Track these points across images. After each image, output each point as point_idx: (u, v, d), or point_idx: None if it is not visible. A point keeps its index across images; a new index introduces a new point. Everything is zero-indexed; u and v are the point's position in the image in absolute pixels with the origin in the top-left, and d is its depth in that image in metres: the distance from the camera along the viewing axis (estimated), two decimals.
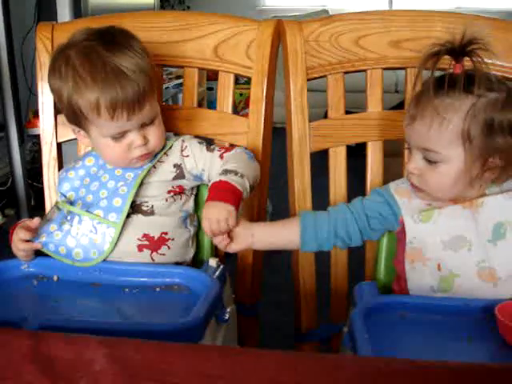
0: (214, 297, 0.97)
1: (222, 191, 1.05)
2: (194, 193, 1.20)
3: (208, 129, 1.26)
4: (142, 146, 1.09)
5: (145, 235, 1.10)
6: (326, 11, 5.41)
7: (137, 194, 1.11)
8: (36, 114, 3.07)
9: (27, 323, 0.85)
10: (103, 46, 1.05)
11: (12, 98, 2.80)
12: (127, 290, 1.04)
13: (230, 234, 1.06)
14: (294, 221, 1.10)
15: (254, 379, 0.59)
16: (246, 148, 1.19)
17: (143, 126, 1.09)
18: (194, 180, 1.17)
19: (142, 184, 1.11)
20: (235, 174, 1.08)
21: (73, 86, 1.04)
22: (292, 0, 5.96)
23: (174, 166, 1.15)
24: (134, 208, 1.11)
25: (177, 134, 1.23)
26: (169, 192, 1.13)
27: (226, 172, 1.09)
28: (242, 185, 1.07)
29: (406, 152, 1.08)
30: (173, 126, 1.27)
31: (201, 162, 1.15)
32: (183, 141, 1.18)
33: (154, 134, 1.11)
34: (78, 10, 2.78)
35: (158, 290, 1.04)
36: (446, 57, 1.00)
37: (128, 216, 1.09)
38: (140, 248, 1.10)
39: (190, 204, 1.18)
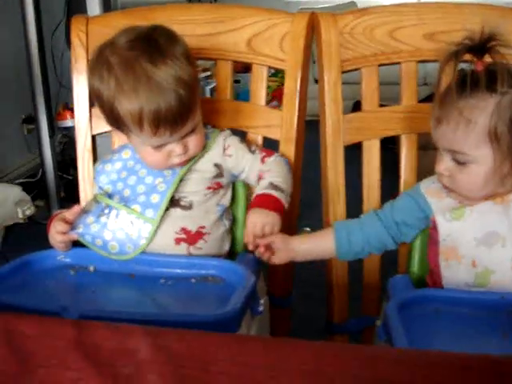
0: (249, 289, 0.97)
1: (268, 202, 1.10)
2: (230, 187, 1.20)
3: (241, 121, 1.26)
4: (181, 155, 1.09)
5: (182, 229, 1.11)
6: (354, 3, 5.37)
7: (175, 190, 1.11)
8: (66, 107, 3.11)
9: (67, 313, 0.86)
10: (146, 57, 1.02)
11: (42, 91, 2.84)
12: (163, 281, 1.05)
13: (270, 246, 1.08)
14: (330, 233, 1.12)
15: (296, 368, 0.60)
16: (282, 156, 1.21)
17: (184, 136, 1.08)
18: (231, 178, 1.18)
19: (181, 180, 1.12)
20: (281, 191, 1.13)
21: (115, 95, 1.02)
22: None
23: (215, 165, 1.15)
24: (173, 202, 1.11)
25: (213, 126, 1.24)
26: (208, 188, 1.14)
27: (271, 186, 1.12)
28: (285, 201, 1.12)
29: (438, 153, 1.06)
30: (206, 119, 1.27)
31: (242, 163, 1.17)
32: (225, 139, 1.17)
33: (194, 142, 1.10)
34: (107, 4, 2.79)
35: (193, 281, 1.05)
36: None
37: (166, 209, 1.10)
38: (177, 241, 1.11)
39: (227, 198, 1.18)
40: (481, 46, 0.97)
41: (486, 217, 1.00)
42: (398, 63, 1.22)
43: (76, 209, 1.11)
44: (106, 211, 1.12)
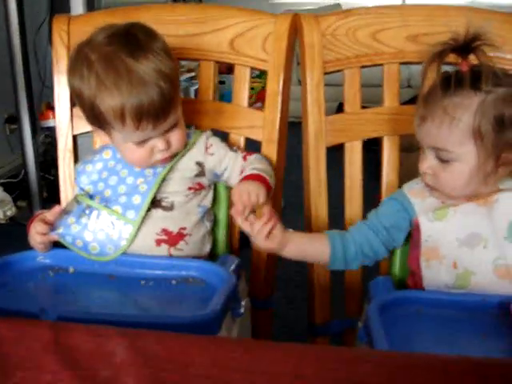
0: (230, 290, 0.97)
1: (254, 177, 1.10)
2: (212, 188, 1.19)
3: (224, 122, 1.26)
4: (164, 150, 1.09)
5: (163, 230, 1.11)
6: (338, 5, 5.39)
7: (157, 190, 1.11)
8: (49, 107, 3.09)
9: (45, 315, 0.85)
10: (126, 51, 1.02)
11: (25, 91, 2.81)
12: (143, 282, 1.04)
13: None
14: (324, 238, 1.10)
15: (275, 371, 0.59)
16: (263, 155, 1.21)
17: (166, 131, 1.08)
18: (213, 178, 1.18)
19: (162, 180, 1.11)
20: (266, 174, 1.12)
21: (96, 93, 1.02)
22: None
23: (197, 163, 1.15)
24: (154, 203, 1.11)
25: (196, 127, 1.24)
26: (189, 189, 1.13)
27: (256, 170, 1.12)
28: (271, 182, 1.11)
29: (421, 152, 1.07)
30: (188, 120, 1.26)
31: (225, 161, 1.16)
32: (207, 138, 1.17)
33: (176, 137, 1.10)
34: (91, 3, 2.78)
35: (173, 282, 1.04)
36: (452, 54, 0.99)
37: (147, 210, 1.09)
38: (158, 242, 1.10)
39: (209, 199, 1.18)
40: (465, 45, 0.98)
41: (469, 218, 1.01)
42: (381, 65, 1.22)
43: (56, 209, 1.10)
44: (87, 212, 1.11)
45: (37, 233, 1.09)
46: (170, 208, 1.12)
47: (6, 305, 0.90)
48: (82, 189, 1.16)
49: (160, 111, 1.03)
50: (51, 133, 3.28)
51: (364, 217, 1.20)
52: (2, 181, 3.17)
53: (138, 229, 1.09)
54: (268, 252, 1.17)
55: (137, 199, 1.10)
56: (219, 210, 1.22)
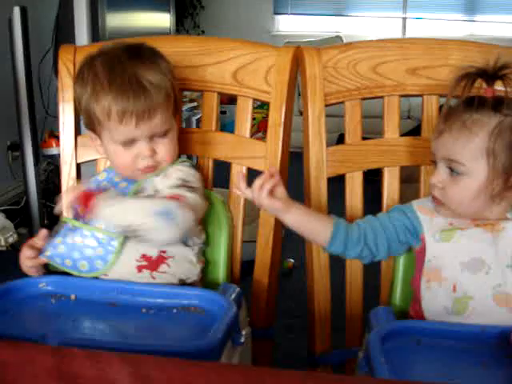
0: (231, 319, 0.97)
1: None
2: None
3: (226, 152, 1.27)
4: (148, 158, 1.12)
5: (143, 255, 1.11)
6: (339, 37, 5.46)
7: None
8: (51, 135, 3.11)
9: (46, 341, 0.85)
10: (128, 56, 1.11)
11: (28, 118, 2.84)
12: (144, 310, 1.05)
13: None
14: (328, 218, 1.11)
15: None
16: (178, 210, 1.07)
17: (153, 137, 1.12)
18: None
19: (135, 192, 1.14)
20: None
21: (91, 90, 1.09)
22: (305, 26, 6.01)
23: (155, 190, 1.15)
24: None
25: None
26: None
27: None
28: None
29: (432, 167, 1.10)
30: (191, 149, 1.29)
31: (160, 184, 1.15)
32: (178, 169, 1.17)
33: (164, 147, 1.13)
34: (95, 33, 2.82)
35: (174, 311, 1.04)
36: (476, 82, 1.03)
37: (125, 237, 1.10)
38: (139, 269, 1.11)
39: None
40: (494, 72, 1.02)
41: (475, 243, 1.02)
42: (381, 97, 1.24)
43: (43, 233, 1.13)
44: (73, 231, 1.13)
45: (25, 257, 1.11)
46: None
47: (8, 331, 0.91)
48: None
49: (145, 110, 1.08)
50: (53, 160, 3.30)
51: None
52: (3, 208, 3.18)
53: (119, 255, 1.10)
54: (272, 213, 1.15)
55: None
56: (220, 234, 1.22)
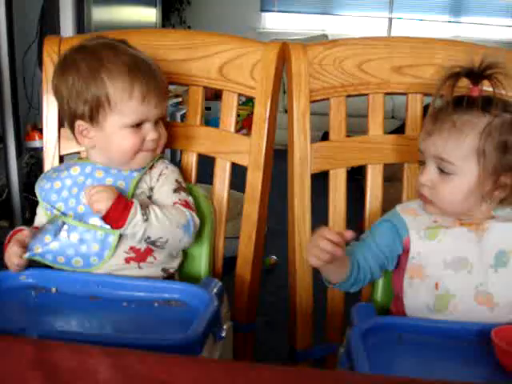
0: (212, 313, 0.97)
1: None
2: None
3: (210, 147, 1.27)
4: (154, 140, 1.14)
5: (131, 248, 1.12)
6: (325, 36, 5.48)
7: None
8: (34, 128, 3.08)
9: (26, 333, 0.85)
10: (124, 45, 1.14)
11: (12, 111, 2.81)
12: (126, 304, 1.05)
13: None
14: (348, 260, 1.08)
15: None
16: (193, 218, 1.15)
17: (157, 122, 1.15)
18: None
19: (136, 184, 1.14)
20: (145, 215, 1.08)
21: (108, 77, 1.09)
22: (291, 23, 6.02)
23: (150, 188, 1.16)
24: None
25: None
26: None
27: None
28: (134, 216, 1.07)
29: (416, 166, 1.12)
30: (176, 143, 1.28)
31: (158, 193, 1.16)
32: (166, 168, 1.19)
33: (162, 130, 1.17)
34: (81, 25, 2.80)
35: (156, 304, 1.04)
36: (462, 82, 1.04)
37: None
38: (127, 260, 1.12)
39: None
40: (480, 71, 1.03)
41: (459, 242, 1.03)
42: (366, 95, 1.24)
43: (31, 231, 1.11)
44: (66, 227, 1.12)
45: (14, 254, 1.09)
46: None
47: None
48: (53, 207, 1.15)
49: (162, 89, 1.14)
50: (36, 153, 3.28)
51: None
52: None
53: (120, 237, 1.10)
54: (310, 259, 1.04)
55: None
56: (203, 229, 1.22)
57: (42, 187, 1.18)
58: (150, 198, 1.15)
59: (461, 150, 1.00)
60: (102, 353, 0.64)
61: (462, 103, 1.01)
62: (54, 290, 1.09)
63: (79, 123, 1.14)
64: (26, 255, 1.09)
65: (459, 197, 1.02)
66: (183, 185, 1.20)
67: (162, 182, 1.17)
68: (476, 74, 1.03)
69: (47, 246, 1.11)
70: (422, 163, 1.06)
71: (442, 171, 1.02)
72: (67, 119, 1.18)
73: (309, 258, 1.00)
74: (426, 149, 1.04)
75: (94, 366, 0.62)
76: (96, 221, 1.10)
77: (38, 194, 1.18)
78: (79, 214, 1.12)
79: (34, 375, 0.60)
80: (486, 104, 1.00)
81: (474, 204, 1.03)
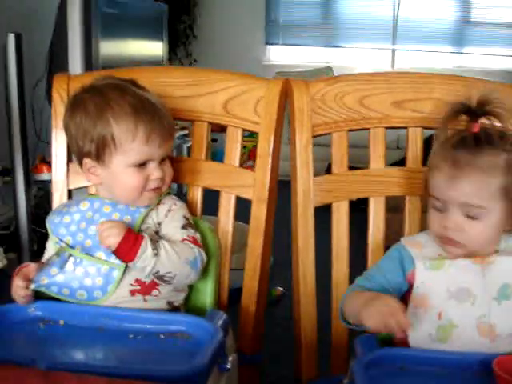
0: (217, 344, 0.99)
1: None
2: None
3: (215, 181, 1.30)
4: (159, 179, 1.16)
5: (137, 280, 1.14)
6: (329, 68, 5.53)
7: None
8: (42, 161, 3.12)
9: (35, 364, 0.86)
10: (131, 85, 1.17)
11: (20, 144, 2.85)
12: (132, 336, 1.06)
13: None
14: None
15: None
16: (200, 255, 1.17)
17: (162, 161, 1.17)
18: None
19: (142, 221, 1.16)
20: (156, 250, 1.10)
21: (113, 117, 1.12)
22: (296, 56, 6.09)
23: (158, 223, 1.18)
24: None
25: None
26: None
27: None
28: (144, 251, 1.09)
29: (433, 210, 1.07)
30: (182, 178, 1.31)
31: (166, 229, 1.18)
32: (175, 204, 1.21)
33: (168, 169, 1.19)
34: (89, 60, 2.85)
35: (162, 336, 1.06)
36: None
37: None
38: (132, 293, 1.13)
39: None
40: (478, 108, 1.06)
41: (463, 273, 1.04)
42: (367, 129, 1.27)
43: (36, 265, 1.13)
44: (72, 260, 1.14)
45: (18, 287, 1.11)
46: None
47: None
48: (61, 240, 1.17)
49: (166, 129, 1.16)
50: (44, 186, 3.31)
51: (351, 274, 1.24)
52: None
53: (124, 271, 1.12)
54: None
55: None
56: (208, 263, 1.23)
57: (51, 221, 1.21)
58: (157, 233, 1.17)
59: (489, 192, 1.01)
60: None
61: (479, 143, 1.02)
62: (61, 322, 1.11)
63: (86, 161, 1.17)
64: (32, 286, 1.11)
65: (490, 235, 1.04)
66: (191, 221, 1.22)
67: (171, 218, 1.19)
68: (474, 111, 1.06)
69: (53, 278, 1.13)
70: (437, 205, 1.05)
71: (468, 216, 1.02)
72: (76, 156, 1.22)
73: (369, 322, 0.98)
74: (451, 197, 1.03)
75: None
76: (102, 255, 1.13)
77: (48, 228, 1.21)
78: (86, 248, 1.15)
79: None
80: (500, 140, 1.02)
81: (494, 240, 1.05)
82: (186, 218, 1.21)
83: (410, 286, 1.08)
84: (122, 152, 1.13)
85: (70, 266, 1.14)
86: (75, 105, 1.17)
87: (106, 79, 1.20)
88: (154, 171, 1.15)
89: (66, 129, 1.20)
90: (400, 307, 0.97)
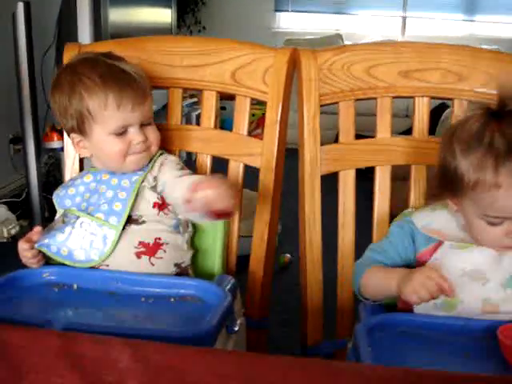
0: (225, 308, 1.02)
1: None
2: None
3: (224, 150, 1.32)
4: (142, 143, 1.19)
5: (141, 243, 1.17)
6: (339, 35, 5.50)
7: (134, 200, 1.18)
8: (53, 129, 3.15)
9: (51, 326, 0.90)
10: (105, 57, 1.21)
11: (31, 112, 2.88)
12: (143, 299, 1.09)
13: None
14: None
15: (265, 380, 0.65)
16: None
17: (142, 126, 1.20)
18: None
19: (137, 195, 1.18)
20: None
21: (84, 90, 1.16)
22: (306, 23, 6.05)
23: (154, 177, 1.22)
24: (127, 219, 1.17)
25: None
26: (154, 205, 1.19)
27: None
28: None
29: (484, 225, 1.02)
30: (191, 146, 1.34)
31: (165, 176, 1.22)
32: (166, 159, 1.25)
33: (152, 133, 1.22)
34: (98, 28, 2.85)
35: (172, 300, 1.09)
36: None
37: (123, 228, 1.16)
38: (138, 255, 1.17)
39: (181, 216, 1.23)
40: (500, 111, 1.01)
41: (483, 258, 1.05)
42: (374, 98, 1.28)
43: (38, 228, 1.19)
44: (73, 221, 1.18)
45: (22, 250, 1.16)
46: (142, 222, 1.18)
47: (14, 317, 0.95)
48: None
49: (138, 94, 1.18)
50: (54, 154, 3.34)
51: (357, 242, 1.26)
52: (5, 200, 3.22)
53: (119, 243, 1.15)
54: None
55: (118, 206, 1.17)
56: (217, 227, 1.28)
57: (57, 195, 1.26)
58: (154, 187, 1.21)
59: None
60: (122, 344, 0.69)
61: None
62: (75, 286, 1.14)
63: (73, 136, 1.23)
64: (36, 245, 1.16)
65: None
66: (184, 166, 1.26)
67: (166, 167, 1.23)
68: (497, 113, 1.01)
69: (54, 238, 1.17)
70: (492, 224, 1.01)
71: None
72: (66, 133, 1.28)
73: (411, 296, 0.99)
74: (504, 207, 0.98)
75: (115, 356, 0.67)
76: (101, 215, 1.17)
77: (54, 202, 1.26)
78: (88, 211, 1.19)
79: (60, 364, 0.65)
80: None
81: None
82: (179, 164, 1.25)
83: (419, 263, 1.09)
84: (99, 122, 1.17)
85: (70, 225, 1.18)
86: (53, 85, 1.23)
87: (82, 55, 1.26)
88: (135, 136, 1.19)
89: (52, 109, 1.25)
90: (442, 276, 0.98)
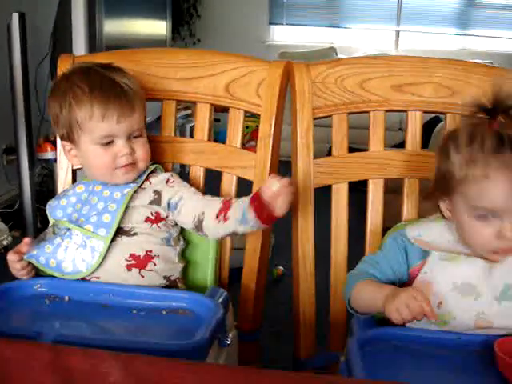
0: (217, 321, 1.02)
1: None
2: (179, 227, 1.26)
3: (217, 162, 1.32)
4: (128, 155, 1.18)
5: (131, 255, 1.17)
6: (333, 49, 5.52)
7: (121, 220, 1.17)
8: (46, 140, 3.14)
9: (41, 338, 0.90)
10: (102, 67, 1.21)
11: (24, 123, 2.87)
12: (135, 311, 1.09)
13: None
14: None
15: None
16: None
17: (130, 137, 1.20)
18: (168, 209, 1.22)
19: (126, 208, 1.18)
20: None
21: (72, 99, 1.17)
22: (300, 36, 6.07)
23: (154, 191, 1.22)
24: (119, 231, 1.17)
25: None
26: (146, 219, 1.19)
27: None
28: None
29: (476, 222, 1.01)
30: (183, 159, 1.34)
31: (181, 190, 1.23)
32: (172, 175, 1.25)
33: (141, 147, 1.22)
34: (92, 40, 2.85)
35: (164, 312, 1.09)
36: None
37: (113, 240, 1.16)
38: (129, 268, 1.16)
39: (172, 230, 1.23)
40: (496, 106, 1.01)
41: (473, 270, 1.04)
42: (367, 112, 1.28)
43: (27, 240, 1.18)
44: (62, 232, 1.18)
45: (11, 261, 1.16)
46: (134, 234, 1.18)
47: (4, 329, 0.94)
48: (57, 221, 1.23)
49: (124, 106, 1.17)
50: (48, 165, 3.34)
51: (349, 255, 1.26)
52: None
53: (109, 255, 1.15)
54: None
55: (107, 218, 1.17)
56: (209, 243, 1.28)
57: (50, 205, 1.26)
58: (154, 201, 1.21)
59: None
60: (113, 357, 0.69)
61: None
62: (66, 298, 1.14)
63: (64, 143, 1.24)
64: (25, 257, 1.16)
65: None
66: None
67: (178, 184, 1.24)
68: (490, 110, 1.01)
69: (42, 249, 1.17)
70: (482, 220, 1.00)
71: None
72: (59, 140, 1.29)
73: (393, 314, 0.97)
74: (504, 201, 0.98)
75: (106, 370, 0.66)
76: (90, 227, 1.16)
77: (47, 213, 1.26)
78: (78, 223, 1.18)
79: (50, 378, 0.65)
80: None
81: None
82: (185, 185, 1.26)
83: (411, 278, 1.09)
84: (86, 131, 1.18)
85: (59, 237, 1.17)
86: (50, 93, 1.23)
87: (78, 64, 1.27)
88: (120, 148, 1.19)
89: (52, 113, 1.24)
90: (427, 299, 0.97)
